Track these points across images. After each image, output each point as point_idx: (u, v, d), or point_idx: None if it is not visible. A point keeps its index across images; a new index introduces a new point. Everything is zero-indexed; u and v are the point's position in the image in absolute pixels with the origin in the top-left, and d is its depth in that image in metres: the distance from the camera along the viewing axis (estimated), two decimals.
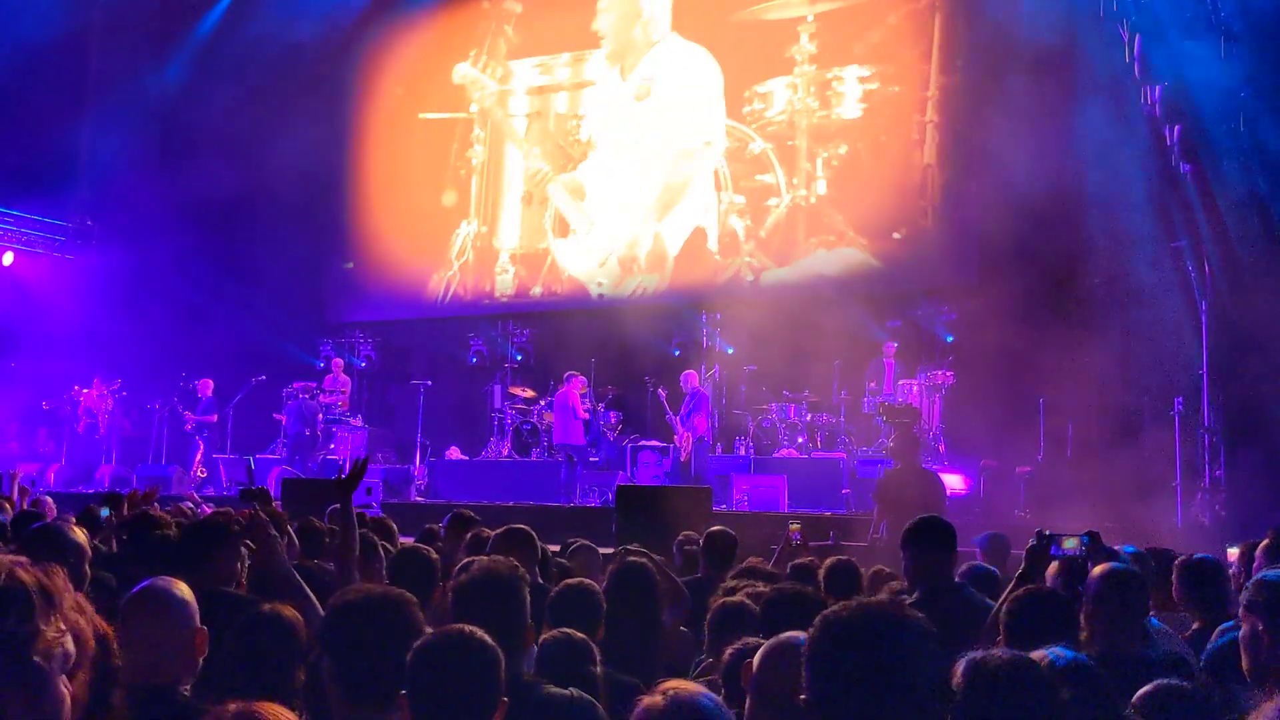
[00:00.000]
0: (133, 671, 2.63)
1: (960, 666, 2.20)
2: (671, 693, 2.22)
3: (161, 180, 16.59)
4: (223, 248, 16.73)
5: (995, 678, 2.18)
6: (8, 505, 6.94)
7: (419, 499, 14.46)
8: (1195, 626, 4.60)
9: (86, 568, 3.91)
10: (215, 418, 16.18)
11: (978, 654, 2.24)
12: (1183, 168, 10.67)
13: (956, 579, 4.74)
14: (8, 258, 17.38)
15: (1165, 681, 2.85)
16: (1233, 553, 5.69)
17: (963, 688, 2.16)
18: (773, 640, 2.67)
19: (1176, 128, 10.69)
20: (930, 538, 4.45)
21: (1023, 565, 4.08)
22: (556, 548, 6.09)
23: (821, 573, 5.04)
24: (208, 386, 16.21)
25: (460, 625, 2.63)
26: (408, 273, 17.57)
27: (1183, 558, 4.93)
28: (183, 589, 3.03)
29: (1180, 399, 10.64)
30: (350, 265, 17.86)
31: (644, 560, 4.47)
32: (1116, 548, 4.68)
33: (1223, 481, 10.29)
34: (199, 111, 16.47)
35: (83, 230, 18.10)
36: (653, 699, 2.22)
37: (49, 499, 8.36)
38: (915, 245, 14.13)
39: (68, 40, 16.05)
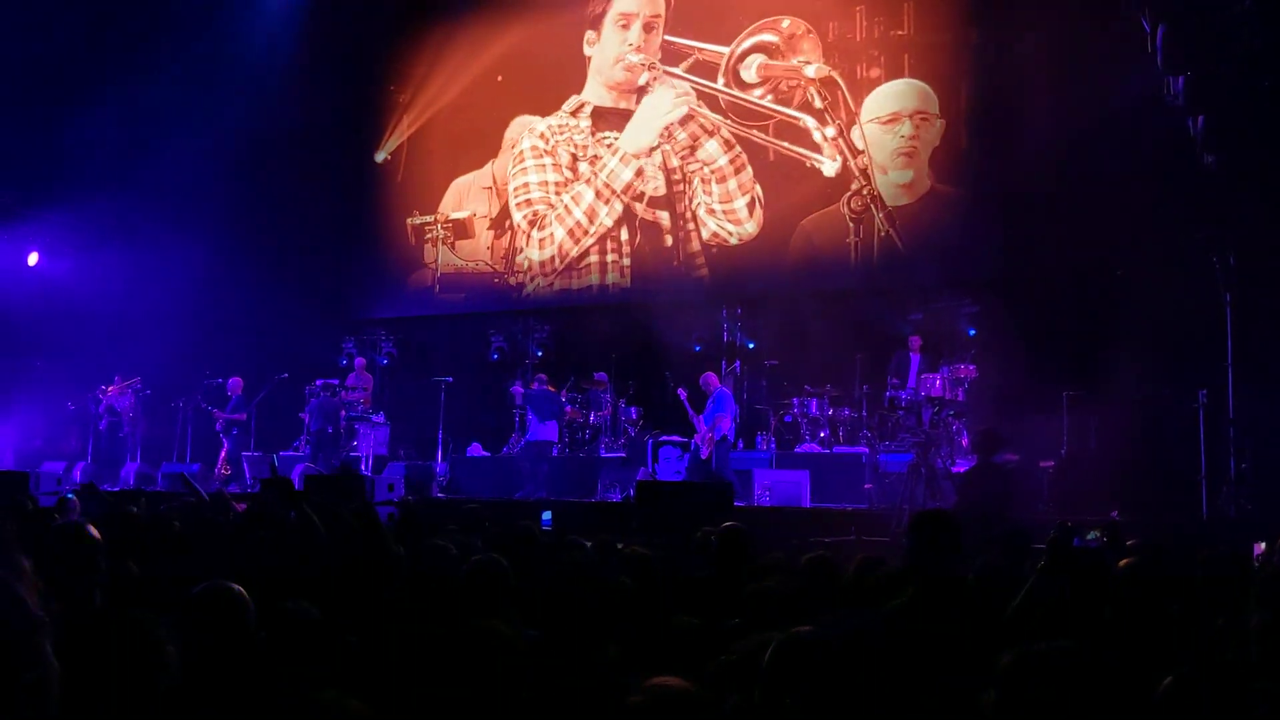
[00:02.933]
0: None
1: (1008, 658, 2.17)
2: (654, 689, 2.19)
3: (183, 178, 16.66)
4: (246, 245, 16.79)
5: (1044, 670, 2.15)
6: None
7: (441, 495, 14.51)
8: (1220, 622, 4.56)
9: (103, 564, 3.96)
10: (244, 416, 16.26)
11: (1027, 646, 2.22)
12: (1206, 158, 10.59)
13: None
14: (33, 258, 17.51)
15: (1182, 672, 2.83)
16: (1260, 547, 5.67)
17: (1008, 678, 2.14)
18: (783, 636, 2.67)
19: (1200, 118, 10.60)
20: (931, 532, 4.37)
21: (1044, 559, 4.06)
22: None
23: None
24: (238, 385, 16.29)
25: (479, 620, 2.63)
26: (430, 269, 17.62)
27: (1207, 551, 4.90)
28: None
29: (1204, 391, 10.56)
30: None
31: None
32: (1131, 542, 4.67)
33: (1248, 475, 10.20)
34: (221, 110, 16.52)
35: (105, 229, 18.19)
36: (636, 697, 2.19)
37: (73, 497, 8.43)
38: (937, 236, 14.05)
39: (88, 38, 16.15)
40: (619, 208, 16.32)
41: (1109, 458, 11.09)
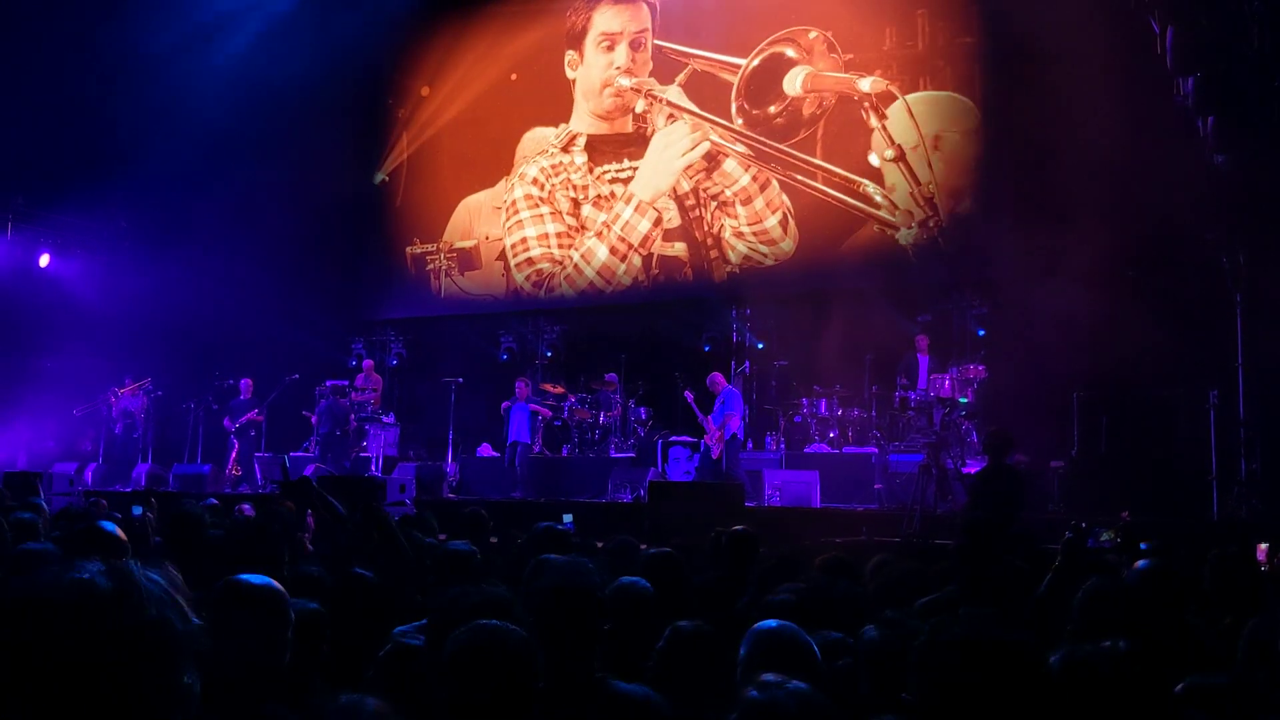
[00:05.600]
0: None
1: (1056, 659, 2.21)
2: (782, 684, 2.21)
3: (194, 179, 16.70)
4: (255, 246, 16.83)
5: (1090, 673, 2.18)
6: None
7: (451, 496, 14.54)
8: (1228, 621, 4.57)
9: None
10: (259, 416, 16.30)
11: (1072, 649, 2.24)
12: (1216, 158, 10.58)
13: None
14: (44, 260, 17.58)
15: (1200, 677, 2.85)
16: (1262, 548, 5.68)
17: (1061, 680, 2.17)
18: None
19: (1210, 118, 10.59)
20: (975, 535, 4.45)
21: (1059, 558, 4.08)
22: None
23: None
24: (249, 386, 16.36)
25: (494, 622, 2.65)
26: (438, 270, 17.63)
27: (1216, 551, 4.90)
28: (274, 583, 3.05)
29: (1215, 392, 10.57)
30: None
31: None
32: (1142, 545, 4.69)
33: (1258, 475, 10.21)
34: (233, 110, 16.55)
35: (116, 231, 18.27)
36: (763, 690, 2.21)
37: (103, 501, 8.48)
38: (946, 238, 14.03)
39: (100, 40, 16.18)
40: (638, 261, 15.42)
41: (1119, 458, 11.11)
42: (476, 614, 2.78)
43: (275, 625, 2.91)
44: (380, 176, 18.14)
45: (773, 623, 3.03)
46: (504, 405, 14.83)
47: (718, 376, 13.53)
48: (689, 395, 13.62)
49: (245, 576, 3.00)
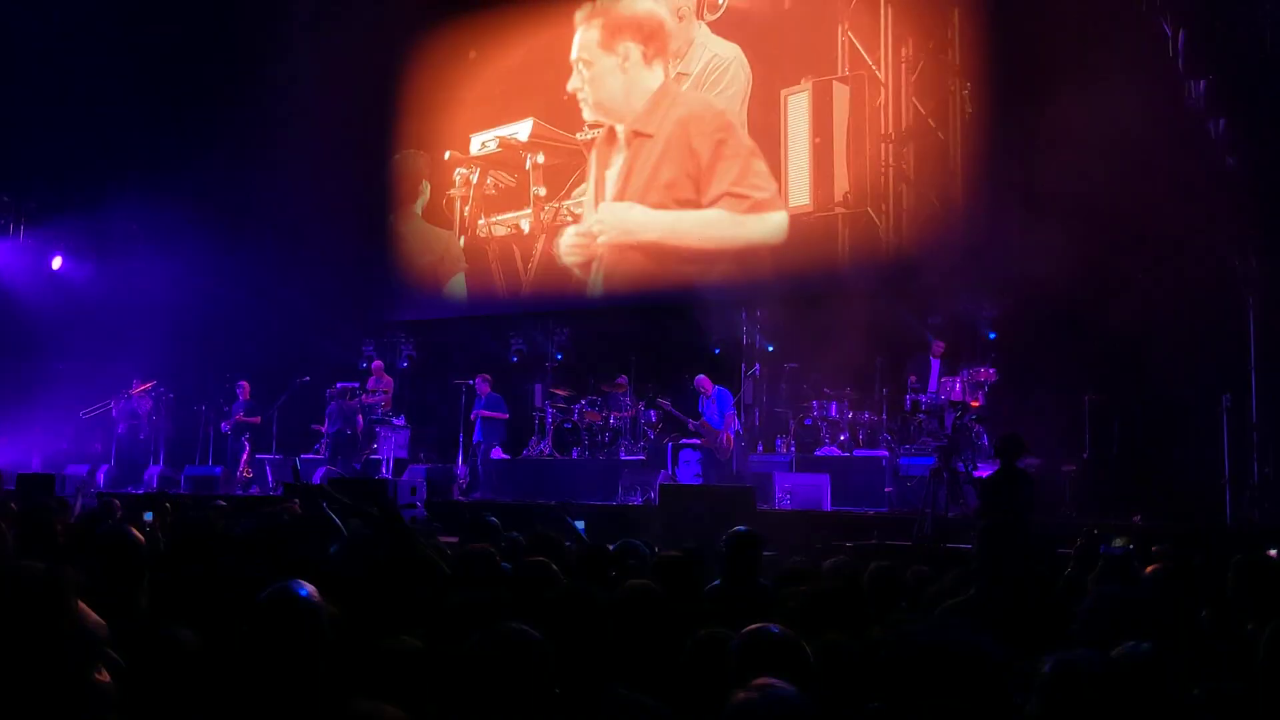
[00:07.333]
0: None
1: (1046, 667, 2.21)
2: (767, 688, 2.22)
3: (205, 182, 16.76)
4: (266, 249, 16.88)
5: (1083, 679, 2.18)
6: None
7: (461, 498, 14.56)
8: (1250, 626, 4.55)
9: (146, 568, 4.02)
10: (258, 419, 16.36)
11: (1065, 655, 2.24)
12: (1227, 160, 10.56)
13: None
14: (56, 262, 17.65)
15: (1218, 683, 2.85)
16: (1272, 554, 5.67)
17: (1049, 687, 2.16)
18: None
19: (1221, 120, 10.58)
20: (1000, 537, 4.44)
21: (1070, 565, 4.07)
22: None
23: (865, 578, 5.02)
24: (245, 389, 16.43)
25: (511, 623, 2.66)
26: (447, 273, 17.66)
27: (1240, 556, 4.87)
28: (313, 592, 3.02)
29: (1228, 396, 10.54)
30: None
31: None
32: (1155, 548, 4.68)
33: (1271, 479, 10.18)
34: (242, 114, 16.60)
35: (129, 233, 18.31)
36: (747, 694, 2.23)
37: (117, 502, 8.51)
38: (954, 239, 14.00)
39: (110, 44, 16.23)
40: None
41: (1131, 462, 11.10)
42: None
43: (313, 634, 2.89)
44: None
45: (761, 625, 3.02)
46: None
47: (704, 379, 13.64)
48: (666, 403, 13.76)
49: (289, 585, 2.98)
